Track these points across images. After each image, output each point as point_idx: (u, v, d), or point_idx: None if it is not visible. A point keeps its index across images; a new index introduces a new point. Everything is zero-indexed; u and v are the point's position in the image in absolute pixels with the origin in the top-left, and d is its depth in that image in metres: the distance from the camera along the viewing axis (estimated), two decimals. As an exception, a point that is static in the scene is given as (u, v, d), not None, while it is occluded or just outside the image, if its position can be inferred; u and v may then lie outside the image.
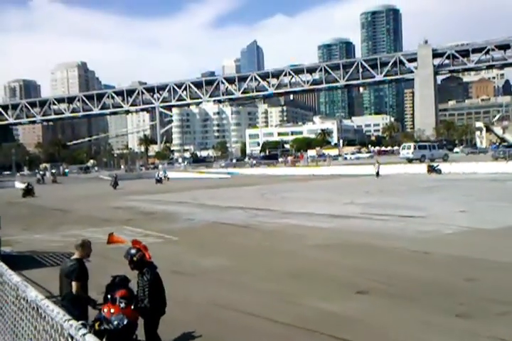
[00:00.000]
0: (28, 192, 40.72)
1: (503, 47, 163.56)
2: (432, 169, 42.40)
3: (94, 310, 6.05)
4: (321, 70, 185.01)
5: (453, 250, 12.14)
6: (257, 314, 8.07)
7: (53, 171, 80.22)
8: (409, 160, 54.47)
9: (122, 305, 5.86)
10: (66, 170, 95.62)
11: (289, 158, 78.69)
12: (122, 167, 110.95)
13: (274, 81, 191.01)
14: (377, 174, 43.68)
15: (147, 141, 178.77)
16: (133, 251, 6.17)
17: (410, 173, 44.23)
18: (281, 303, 8.67)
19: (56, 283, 10.86)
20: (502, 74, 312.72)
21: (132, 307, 5.90)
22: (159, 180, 53.58)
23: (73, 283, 6.07)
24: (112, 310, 5.80)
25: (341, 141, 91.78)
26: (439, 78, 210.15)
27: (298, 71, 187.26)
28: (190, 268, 11.78)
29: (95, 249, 15.03)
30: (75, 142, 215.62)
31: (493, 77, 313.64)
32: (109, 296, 6.03)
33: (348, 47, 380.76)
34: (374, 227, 16.11)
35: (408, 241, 13.43)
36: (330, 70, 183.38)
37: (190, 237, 16.49)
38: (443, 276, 9.82)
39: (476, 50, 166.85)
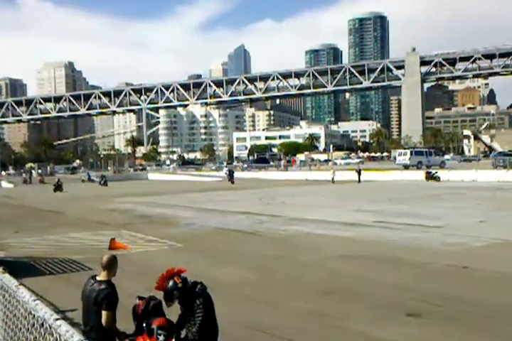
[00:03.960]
0: (58, 187, 44.20)
1: (490, 56, 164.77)
2: (430, 176, 41.63)
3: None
4: (308, 75, 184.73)
5: (495, 265, 11.15)
6: (306, 342, 7.01)
7: (40, 171, 78.25)
8: (406, 167, 53.74)
9: (161, 337, 4.72)
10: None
11: (282, 162, 77.62)
12: (109, 168, 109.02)
13: (261, 85, 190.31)
14: (333, 180, 44.75)
15: (134, 142, 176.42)
16: (170, 283, 4.88)
17: (407, 180, 43.41)
18: (326, 328, 7.60)
19: (61, 295, 9.81)
20: (487, 84, 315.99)
21: (173, 340, 4.81)
22: (231, 180, 50.00)
23: (104, 313, 4.85)
24: None
25: (331, 146, 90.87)
26: (425, 86, 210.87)
27: (285, 75, 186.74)
28: (207, 280, 10.53)
29: (95, 256, 13.83)
30: (61, 142, 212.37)
31: (478, 86, 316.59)
32: (144, 325, 4.92)
33: (335, 53, 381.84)
34: (394, 238, 15.11)
35: (439, 254, 12.44)
36: (318, 75, 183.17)
37: (195, 244, 15.41)
38: (499, 297, 8.80)
39: (462, 59, 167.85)
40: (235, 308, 8.66)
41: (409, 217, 19.22)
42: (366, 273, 10.94)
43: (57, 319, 3.21)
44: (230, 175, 51.59)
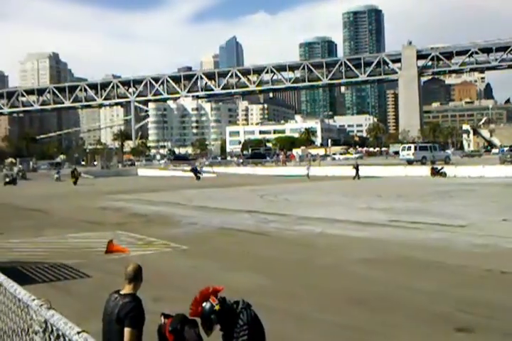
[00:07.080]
0: (77, 180, 44.81)
1: (487, 50, 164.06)
2: (436, 172, 40.36)
3: None
4: (303, 68, 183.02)
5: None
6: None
7: (20, 166, 75.99)
8: (410, 162, 52.45)
9: None
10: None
11: (281, 157, 76.03)
12: (96, 163, 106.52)
13: (254, 78, 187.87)
14: (308, 175, 44.51)
15: (122, 136, 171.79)
16: (207, 307, 4.10)
17: (412, 176, 42.09)
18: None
19: (58, 306, 8.65)
20: (483, 78, 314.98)
21: None
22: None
23: (126, 331, 4.00)
24: None
25: (329, 141, 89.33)
26: (422, 80, 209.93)
27: (280, 68, 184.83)
28: (221, 289, 9.49)
29: (91, 260, 12.54)
30: (44, 136, 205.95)
31: (475, 81, 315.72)
32: None
33: (330, 46, 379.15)
34: (416, 238, 14.02)
35: (470, 257, 11.42)
36: (313, 68, 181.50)
37: (201, 246, 14.23)
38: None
39: (459, 53, 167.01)
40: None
41: (425, 216, 18.15)
42: (396, 279, 9.90)
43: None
44: (195, 172, 51.51)
